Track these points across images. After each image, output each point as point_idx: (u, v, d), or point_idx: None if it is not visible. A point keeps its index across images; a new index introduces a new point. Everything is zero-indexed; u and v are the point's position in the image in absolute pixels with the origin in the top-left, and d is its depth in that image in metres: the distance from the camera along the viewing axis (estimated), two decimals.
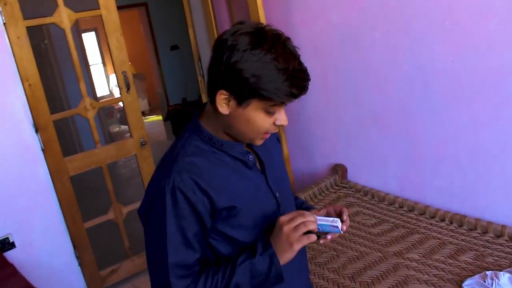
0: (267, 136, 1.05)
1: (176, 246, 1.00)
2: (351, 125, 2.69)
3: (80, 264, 2.82)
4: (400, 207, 2.39)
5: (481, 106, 2.02)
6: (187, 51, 4.11)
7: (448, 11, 2.02)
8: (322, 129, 2.90)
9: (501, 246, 1.94)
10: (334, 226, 1.03)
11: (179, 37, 6.88)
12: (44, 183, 2.61)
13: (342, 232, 1.05)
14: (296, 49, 0.98)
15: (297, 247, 1.00)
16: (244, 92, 0.96)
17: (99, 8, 2.71)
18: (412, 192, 2.43)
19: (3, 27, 2.41)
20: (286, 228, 0.99)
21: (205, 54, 3.52)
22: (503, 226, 2.00)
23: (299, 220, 0.99)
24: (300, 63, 0.97)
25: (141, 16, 7.05)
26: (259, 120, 0.99)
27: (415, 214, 2.30)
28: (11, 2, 2.42)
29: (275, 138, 1.28)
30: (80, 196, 2.89)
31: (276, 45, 0.95)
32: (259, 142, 1.06)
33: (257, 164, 1.13)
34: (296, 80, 0.95)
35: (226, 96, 0.98)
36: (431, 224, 2.19)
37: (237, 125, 1.01)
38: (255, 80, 0.93)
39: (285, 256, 1.02)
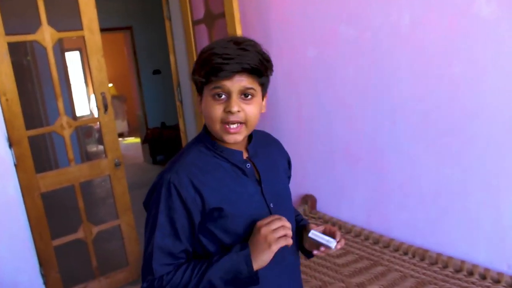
0: (231, 130, 1.07)
1: (164, 234, 1.08)
2: (322, 156, 2.76)
3: (45, 283, 2.77)
4: (366, 239, 2.44)
5: (446, 145, 2.11)
6: (168, 76, 4.18)
7: (416, 53, 2.13)
8: (294, 159, 2.90)
9: (459, 280, 1.99)
10: (328, 242, 1.13)
11: (162, 62, 6.95)
12: (14, 198, 2.59)
13: (333, 249, 1.13)
14: (249, 44, 1.06)
15: (275, 247, 1.05)
16: (196, 85, 1.12)
17: (82, 29, 2.76)
18: (379, 225, 2.49)
19: None
20: (264, 230, 1.05)
21: (185, 80, 3.58)
22: (462, 262, 2.06)
23: (277, 223, 1.05)
24: (226, 47, 1.04)
25: (126, 39, 7.13)
26: (209, 107, 1.08)
27: (379, 246, 2.35)
28: None
29: (286, 159, 1.36)
30: (51, 214, 2.86)
31: (219, 41, 1.08)
32: (227, 137, 1.09)
33: (256, 175, 1.17)
34: (208, 58, 1.05)
35: (198, 97, 1.13)
36: (394, 257, 2.25)
37: (206, 120, 1.12)
38: (192, 69, 1.11)
39: (263, 257, 1.06)
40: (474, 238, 2.09)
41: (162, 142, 6.58)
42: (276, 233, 1.04)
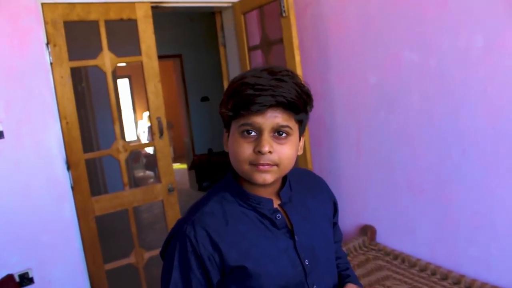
0: (261, 168, 0.93)
1: None
2: (382, 186, 2.64)
3: None
4: (433, 274, 2.28)
5: None
6: (216, 103, 4.20)
7: (488, 78, 2.01)
8: (352, 188, 2.85)
9: None
10: None
11: (210, 88, 7.05)
12: (70, 221, 2.59)
13: None
14: (286, 75, 0.93)
15: None
16: (223, 119, 1.01)
17: (141, 55, 2.80)
18: (445, 259, 2.33)
19: (49, 67, 2.50)
20: None
21: None
22: None
23: None
24: (259, 77, 0.92)
25: (175, 67, 7.26)
26: (237, 146, 0.94)
27: (448, 283, 2.19)
28: (60, 44, 2.52)
29: (329, 200, 1.18)
30: (102, 238, 2.86)
31: (251, 70, 0.96)
32: (255, 177, 0.94)
33: (289, 225, 1.02)
34: (238, 89, 0.93)
35: (225, 133, 1.02)
36: None
37: (232, 159, 0.98)
38: (221, 100, 0.99)
39: None
40: None
41: (208, 168, 6.58)
42: None
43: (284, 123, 0.93)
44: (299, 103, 0.93)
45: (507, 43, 1.93)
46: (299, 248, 1.01)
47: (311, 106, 0.99)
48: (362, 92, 2.65)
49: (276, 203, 1.03)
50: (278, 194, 1.04)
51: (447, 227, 2.32)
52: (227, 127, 1.00)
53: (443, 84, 2.22)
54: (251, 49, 3.17)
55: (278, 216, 1.01)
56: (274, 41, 2.93)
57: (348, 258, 2.53)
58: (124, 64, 8.71)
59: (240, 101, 0.92)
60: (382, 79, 2.53)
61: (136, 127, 10.36)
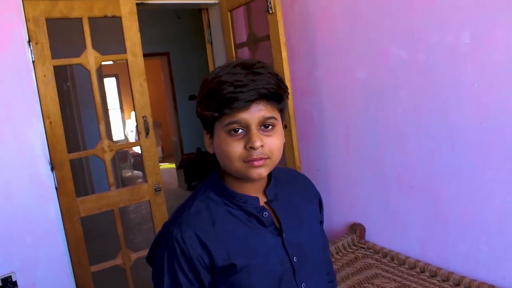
0: (255, 163, 0.92)
1: None
2: (371, 183, 2.62)
3: None
4: (422, 272, 2.27)
5: None
6: None
7: (476, 73, 2.00)
8: (341, 185, 2.83)
9: None
10: None
11: (198, 87, 6.98)
12: (54, 222, 2.54)
13: None
14: (260, 67, 0.93)
15: None
16: (203, 121, 0.98)
17: (126, 53, 2.75)
18: (435, 256, 2.32)
19: (31, 65, 2.44)
20: None
21: None
22: None
23: None
24: (235, 73, 0.91)
25: (163, 65, 7.21)
26: (226, 145, 0.93)
27: (437, 280, 2.18)
28: (43, 41, 2.46)
29: (314, 197, 1.17)
30: (88, 239, 2.81)
31: (224, 68, 0.94)
32: (251, 173, 0.93)
33: (276, 223, 1.02)
34: (216, 89, 0.91)
35: (206, 134, 1.00)
36: None
37: (221, 160, 0.97)
38: (197, 102, 0.98)
39: None
40: None
41: (197, 167, 6.54)
42: None
43: (269, 115, 0.93)
44: (280, 92, 0.94)
45: (495, 39, 1.91)
46: (287, 245, 1.01)
47: (288, 94, 0.99)
48: (350, 88, 2.63)
49: (262, 201, 1.02)
50: (264, 192, 1.04)
51: (437, 223, 2.30)
52: (208, 128, 0.99)
53: (431, 80, 2.20)
54: (238, 46, 3.14)
55: (265, 214, 1.00)
56: (261, 38, 2.90)
57: (337, 256, 2.51)
58: (111, 63, 8.65)
59: (222, 100, 0.90)
60: (370, 75, 2.51)
61: (124, 126, 10.27)
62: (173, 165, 8.18)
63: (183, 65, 7.05)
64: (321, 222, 1.20)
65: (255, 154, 0.91)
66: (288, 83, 2.59)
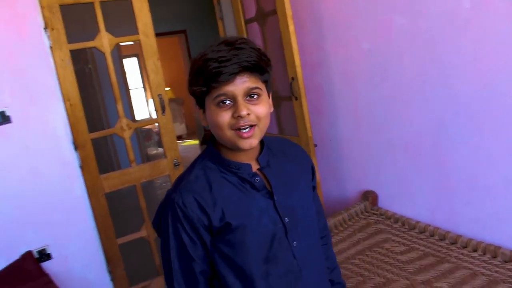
0: (244, 134, 1.01)
1: (179, 255, 1.06)
2: (381, 152, 2.68)
3: (112, 279, 2.87)
4: (431, 236, 2.34)
5: None
6: None
7: (477, 40, 2.01)
8: (353, 155, 2.89)
9: None
10: None
11: None
12: (81, 199, 2.70)
13: None
14: (242, 42, 1.01)
15: None
16: (195, 97, 1.06)
17: (138, 34, 2.84)
18: (444, 221, 2.38)
19: (49, 50, 2.56)
20: None
21: None
22: None
23: None
24: (219, 50, 0.98)
25: (180, 43, 7.27)
26: (216, 116, 1.01)
27: (446, 243, 2.25)
28: (58, 27, 2.57)
29: (307, 165, 1.25)
30: (114, 214, 2.96)
31: (210, 47, 1.02)
32: (242, 143, 1.02)
33: (268, 187, 1.10)
34: (203, 66, 0.99)
35: (199, 110, 1.09)
36: (462, 254, 2.14)
37: (214, 130, 1.05)
38: (188, 81, 1.06)
39: None
40: None
41: None
42: None
43: (253, 85, 1.01)
44: (262, 64, 1.02)
45: (495, 4, 1.92)
46: (278, 207, 1.10)
47: (271, 66, 1.07)
48: (356, 59, 2.67)
49: (255, 168, 1.11)
50: (257, 160, 1.12)
51: (445, 189, 2.36)
52: (200, 103, 1.08)
53: (433, 47, 2.22)
54: (247, 21, 3.19)
55: (257, 179, 1.09)
56: (268, 12, 2.93)
57: (350, 223, 2.60)
58: (131, 43, 8.74)
59: (209, 75, 0.98)
60: (374, 45, 2.53)
61: (147, 105, 10.44)
62: (197, 142, 8.35)
63: (200, 41, 7.08)
64: (314, 188, 1.28)
65: (242, 122, 1.00)
66: (296, 56, 2.64)
